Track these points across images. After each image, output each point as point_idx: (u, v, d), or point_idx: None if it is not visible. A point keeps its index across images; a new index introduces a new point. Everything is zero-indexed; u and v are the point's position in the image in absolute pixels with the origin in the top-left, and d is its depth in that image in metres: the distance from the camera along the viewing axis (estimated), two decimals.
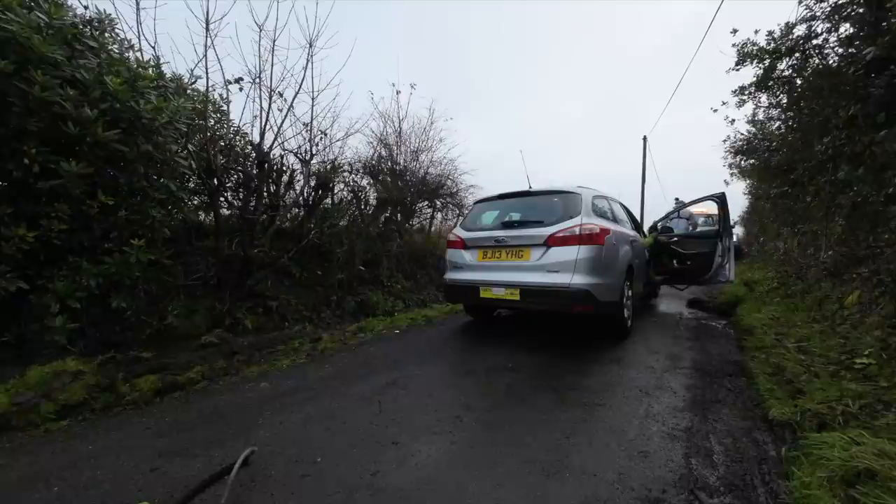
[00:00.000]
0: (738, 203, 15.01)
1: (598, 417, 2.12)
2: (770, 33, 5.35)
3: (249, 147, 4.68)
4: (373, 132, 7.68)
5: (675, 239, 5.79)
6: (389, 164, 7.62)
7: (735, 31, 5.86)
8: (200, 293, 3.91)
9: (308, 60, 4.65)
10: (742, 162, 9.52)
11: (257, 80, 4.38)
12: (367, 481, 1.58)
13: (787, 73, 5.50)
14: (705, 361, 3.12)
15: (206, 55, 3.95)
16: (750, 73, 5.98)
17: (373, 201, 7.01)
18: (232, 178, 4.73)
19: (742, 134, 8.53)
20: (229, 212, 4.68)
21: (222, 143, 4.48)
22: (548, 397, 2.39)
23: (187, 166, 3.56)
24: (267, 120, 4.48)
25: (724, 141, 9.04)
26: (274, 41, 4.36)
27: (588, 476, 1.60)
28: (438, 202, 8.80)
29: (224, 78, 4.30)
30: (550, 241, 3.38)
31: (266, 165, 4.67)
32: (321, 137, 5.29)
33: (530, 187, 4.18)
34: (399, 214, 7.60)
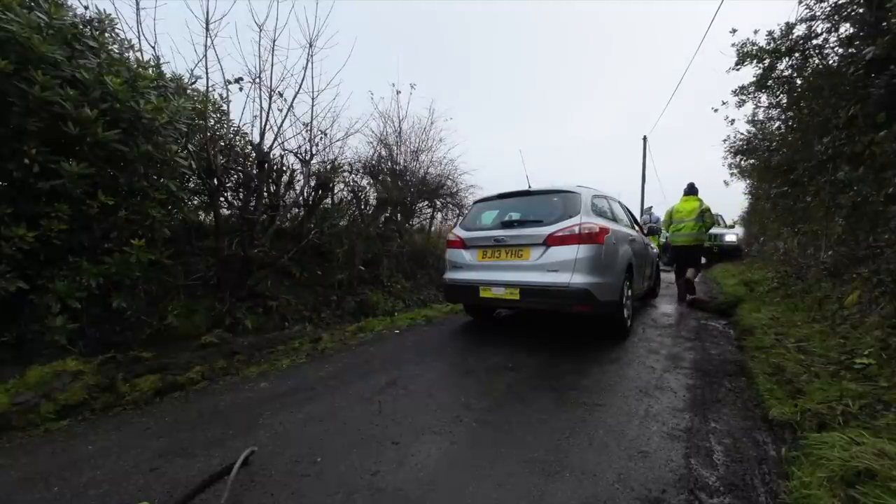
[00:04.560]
0: (739, 203, 15.07)
1: (597, 417, 2.12)
2: (770, 33, 5.36)
3: (249, 147, 4.68)
4: (373, 132, 7.68)
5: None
6: (389, 164, 7.62)
7: (734, 31, 5.87)
8: (200, 293, 3.91)
9: (308, 60, 4.66)
10: (742, 162, 9.52)
11: (257, 80, 4.39)
12: (367, 481, 1.58)
13: (786, 73, 5.51)
14: (705, 361, 3.11)
15: (206, 55, 3.96)
16: (750, 73, 5.99)
17: (373, 201, 7.01)
18: (232, 178, 4.74)
19: (742, 134, 8.54)
20: (229, 212, 4.68)
21: (222, 143, 4.48)
22: (548, 397, 2.39)
23: (187, 166, 3.56)
24: (267, 120, 4.49)
25: (724, 141, 9.04)
26: (274, 41, 4.37)
27: (588, 476, 1.60)
28: (438, 202, 8.80)
29: (224, 78, 4.31)
30: (550, 241, 3.38)
31: (266, 165, 4.67)
32: (321, 137, 5.30)
33: (529, 187, 4.18)
34: (399, 214, 7.60)
